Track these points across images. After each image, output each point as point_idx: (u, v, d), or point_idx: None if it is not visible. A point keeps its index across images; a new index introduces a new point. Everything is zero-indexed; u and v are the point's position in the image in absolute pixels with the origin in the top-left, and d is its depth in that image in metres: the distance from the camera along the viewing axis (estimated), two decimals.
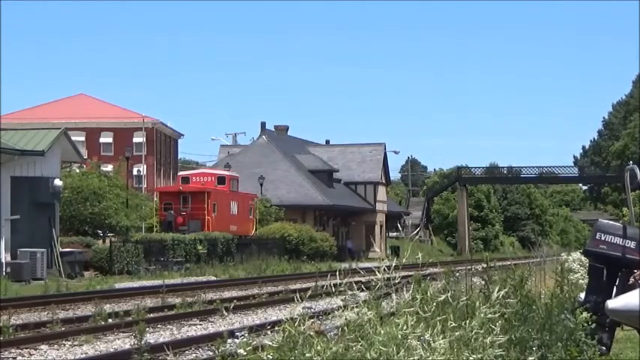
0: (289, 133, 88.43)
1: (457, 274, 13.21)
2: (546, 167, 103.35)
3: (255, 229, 63.61)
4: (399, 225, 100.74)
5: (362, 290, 7.28)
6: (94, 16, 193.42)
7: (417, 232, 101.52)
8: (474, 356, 6.89)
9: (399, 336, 6.56)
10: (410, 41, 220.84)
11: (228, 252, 55.58)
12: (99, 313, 21.99)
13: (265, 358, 6.59)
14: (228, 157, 79.64)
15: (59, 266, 41.39)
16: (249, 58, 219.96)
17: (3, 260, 39.22)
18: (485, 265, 9.73)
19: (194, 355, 16.30)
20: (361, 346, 6.51)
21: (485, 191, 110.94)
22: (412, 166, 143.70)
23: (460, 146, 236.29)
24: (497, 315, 7.61)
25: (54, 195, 42.67)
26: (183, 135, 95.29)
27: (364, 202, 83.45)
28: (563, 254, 21.68)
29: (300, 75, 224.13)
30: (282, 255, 59.25)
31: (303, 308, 6.94)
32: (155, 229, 55.02)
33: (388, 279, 7.07)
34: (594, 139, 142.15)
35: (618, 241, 9.58)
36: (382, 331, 6.58)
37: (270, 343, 6.71)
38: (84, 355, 16.34)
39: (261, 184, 69.55)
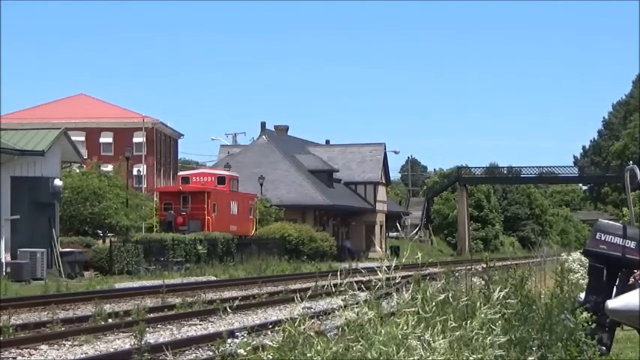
0: (289, 133, 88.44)
1: (457, 274, 13.21)
2: (546, 167, 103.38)
3: (255, 229, 63.61)
4: (399, 225, 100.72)
5: (362, 290, 7.28)
6: (94, 16, 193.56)
7: (417, 232, 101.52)
8: (474, 356, 6.89)
9: (399, 336, 6.57)
10: (410, 41, 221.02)
11: (228, 252, 55.58)
12: (99, 313, 21.99)
13: (265, 358, 6.60)
14: (228, 157, 79.63)
15: (59, 266, 41.38)
16: (249, 58, 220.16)
17: (3, 260, 39.22)
18: (485, 265, 9.73)
19: (194, 355, 16.30)
20: (361, 346, 6.52)
21: (485, 191, 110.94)
22: (412, 166, 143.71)
23: (460, 146, 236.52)
24: (497, 315, 7.61)
25: (54, 195, 42.67)
26: (183, 135, 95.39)
27: (364, 202, 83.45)
28: (563, 254, 21.68)
29: (300, 75, 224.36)
30: (282, 255, 59.25)
31: (303, 308, 6.94)
32: (155, 229, 55.01)
33: (388, 279, 7.07)
34: (594, 139, 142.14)
35: (618, 241, 9.58)
36: (382, 331, 6.58)
37: (271, 343, 6.71)
38: (84, 355, 16.34)
39: (261, 184, 69.55)
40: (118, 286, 36.51)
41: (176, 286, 34.75)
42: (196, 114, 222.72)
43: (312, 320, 6.84)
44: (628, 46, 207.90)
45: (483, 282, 9.28)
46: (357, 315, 6.77)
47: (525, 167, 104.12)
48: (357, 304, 6.97)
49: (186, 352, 16.55)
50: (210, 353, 15.52)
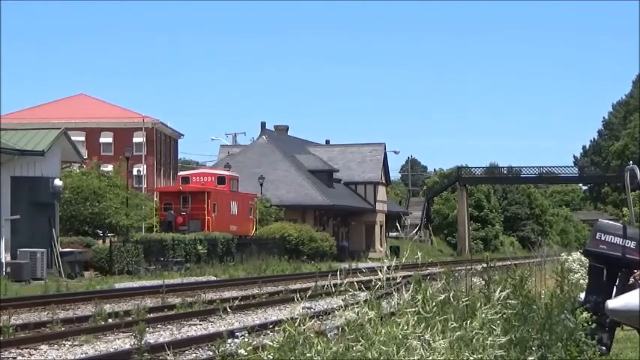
0: (289, 133, 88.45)
1: (457, 274, 13.21)
2: (546, 167, 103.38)
3: (255, 229, 63.62)
4: (398, 225, 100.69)
5: (362, 290, 7.28)
6: (94, 16, 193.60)
7: (417, 232, 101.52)
8: (475, 356, 6.89)
9: (400, 336, 6.57)
10: (410, 41, 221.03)
11: (228, 252, 55.58)
12: (99, 313, 21.99)
13: (265, 358, 6.60)
14: (228, 157, 79.63)
15: (59, 266, 41.38)
16: (249, 58, 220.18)
17: (3, 260, 39.22)
18: (485, 265, 9.73)
19: (194, 355, 16.30)
20: (361, 345, 6.52)
21: (485, 191, 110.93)
22: (412, 166, 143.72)
23: (460, 146, 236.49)
24: (497, 315, 7.62)
25: (54, 195, 42.66)
26: (183, 135, 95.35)
27: (364, 202, 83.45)
28: (563, 254, 21.69)
29: (300, 75, 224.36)
30: (282, 255, 59.26)
31: (303, 308, 6.94)
32: (155, 229, 55.02)
33: (388, 279, 7.07)
34: (594, 139, 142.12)
35: (618, 241, 9.57)
36: (382, 331, 6.58)
37: (271, 343, 6.71)
38: (84, 355, 16.34)
39: (261, 184, 69.55)
40: (118, 286, 36.50)
41: (176, 286, 34.75)
42: (196, 114, 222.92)
43: (312, 320, 6.84)
44: (628, 46, 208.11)
45: (483, 282, 9.28)
46: (357, 315, 6.77)
47: (525, 167, 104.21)
48: (357, 304, 6.97)
49: (187, 352, 16.55)
50: (211, 353, 15.52)
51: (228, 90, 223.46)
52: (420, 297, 7.30)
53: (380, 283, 7.03)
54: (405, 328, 6.61)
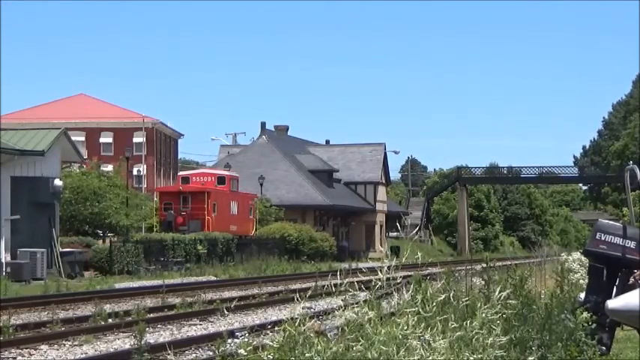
0: (289, 133, 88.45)
1: (457, 274, 13.21)
2: (546, 167, 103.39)
3: (255, 229, 63.61)
4: (399, 225, 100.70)
5: (362, 290, 7.28)
6: (94, 16, 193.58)
7: (417, 232, 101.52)
8: (474, 356, 6.89)
9: (400, 336, 6.57)
10: (410, 41, 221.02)
11: (228, 252, 55.58)
12: (99, 313, 21.99)
13: (265, 358, 6.60)
14: (228, 157, 79.63)
15: (59, 266, 41.38)
16: (249, 58, 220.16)
17: (3, 260, 39.21)
18: (485, 265, 9.73)
19: (194, 355, 16.30)
20: (361, 345, 6.52)
21: (485, 191, 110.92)
22: (412, 166, 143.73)
23: (460, 146, 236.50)
24: (497, 315, 7.62)
25: (54, 195, 42.65)
26: (183, 135, 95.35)
27: (364, 202, 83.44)
28: (563, 254, 21.71)
29: (300, 75, 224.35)
30: (282, 255, 59.26)
31: (303, 308, 6.94)
32: (155, 229, 55.02)
33: (388, 279, 7.07)
34: (594, 139, 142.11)
35: (618, 241, 9.57)
36: (382, 331, 6.58)
37: (271, 343, 6.71)
38: (84, 355, 16.34)
39: (261, 184, 69.54)
40: (118, 286, 36.50)
41: (176, 286, 34.74)
42: (196, 114, 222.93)
43: (312, 320, 6.84)
44: (628, 46, 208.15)
45: (483, 282, 9.28)
46: (357, 315, 6.77)
47: (525, 167, 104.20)
48: (357, 304, 6.97)
49: (187, 352, 16.55)
50: (210, 353, 15.52)
51: (228, 90, 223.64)
52: (420, 297, 7.30)
53: (380, 283, 7.03)
54: (405, 328, 6.62)
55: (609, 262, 9.63)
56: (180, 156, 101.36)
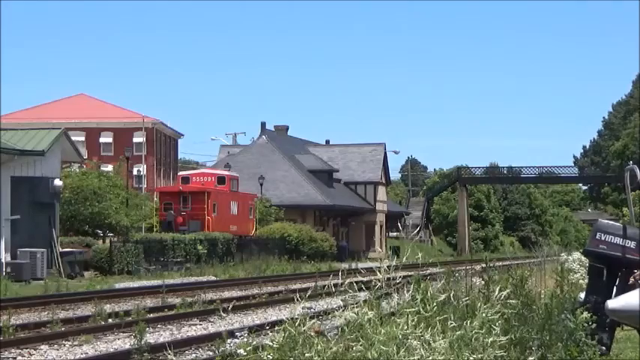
0: (289, 133, 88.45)
1: (457, 274, 13.21)
2: (546, 167, 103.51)
3: (255, 229, 63.60)
4: (399, 225, 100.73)
5: (362, 290, 7.28)
6: (94, 16, 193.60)
7: (417, 232, 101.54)
8: (474, 356, 6.89)
9: (400, 336, 6.57)
10: (410, 41, 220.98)
11: (228, 252, 55.57)
12: (99, 313, 21.99)
13: (265, 358, 6.60)
14: (228, 157, 79.63)
15: (59, 266, 41.37)
16: (249, 58, 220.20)
17: (3, 260, 39.20)
18: (485, 265, 9.73)
19: (194, 355, 16.30)
20: (361, 345, 6.52)
21: (485, 191, 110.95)
22: (412, 166, 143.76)
23: (460, 146, 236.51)
24: (497, 315, 7.61)
25: (54, 195, 42.64)
26: (183, 135, 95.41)
27: (364, 202, 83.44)
28: (563, 254, 21.71)
29: (300, 75, 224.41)
30: (282, 255, 59.26)
31: (303, 308, 6.94)
32: (155, 229, 55.01)
33: (388, 279, 7.07)
34: (594, 139, 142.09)
35: (618, 241, 9.56)
36: (382, 331, 6.58)
37: (271, 343, 6.71)
38: (84, 355, 16.34)
39: (261, 184, 69.53)
40: (118, 286, 36.50)
41: (176, 286, 34.73)
42: (196, 114, 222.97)
43: (312, 320, 6.84)
44: (628, 46, 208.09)
45: (483, 282, 9.28)
46: (357, 315, 6.77)
47: (525, 167, 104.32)
48: (357, 304, 6.97)
49: (187, 352, 16.55)
50: (210, 353, 15.52)
51: (228, 90, 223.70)
52: (419, 297, 7.30)
53: (380, 284, 7.03)
54: (405, 328, 6.61)
55: (609, 262, 9.62)
56: (180, 156, 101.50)
